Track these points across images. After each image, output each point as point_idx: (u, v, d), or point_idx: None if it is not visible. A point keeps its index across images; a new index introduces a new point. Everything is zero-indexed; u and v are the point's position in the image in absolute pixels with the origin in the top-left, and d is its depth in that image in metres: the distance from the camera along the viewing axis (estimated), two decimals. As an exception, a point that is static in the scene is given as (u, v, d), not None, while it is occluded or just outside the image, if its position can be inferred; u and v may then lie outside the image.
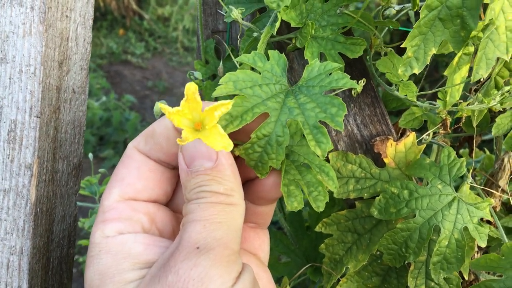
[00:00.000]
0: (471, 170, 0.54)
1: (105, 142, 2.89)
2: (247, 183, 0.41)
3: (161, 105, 0.34)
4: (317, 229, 0.56)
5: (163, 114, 0.49)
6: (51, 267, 0.49)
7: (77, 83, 0.48)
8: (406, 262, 0.52)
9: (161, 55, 4.26)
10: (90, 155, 0.76)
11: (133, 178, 0.37)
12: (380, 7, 0.57)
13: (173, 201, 0.41)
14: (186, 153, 0.35)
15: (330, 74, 0.39)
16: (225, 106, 0.34)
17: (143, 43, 4.27)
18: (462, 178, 0.54)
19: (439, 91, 0.52)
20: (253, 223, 0.43)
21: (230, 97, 0.39)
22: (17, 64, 0.44)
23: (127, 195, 0.37)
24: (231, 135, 0.38)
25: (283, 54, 0.40)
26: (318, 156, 0.41)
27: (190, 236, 0.32)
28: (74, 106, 0.49)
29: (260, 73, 0.39)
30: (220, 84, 0.37)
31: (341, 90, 0.50)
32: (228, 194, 0.35)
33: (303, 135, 0.40)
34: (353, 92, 0.51)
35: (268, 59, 0.40)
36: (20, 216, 0.45)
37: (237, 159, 0.38)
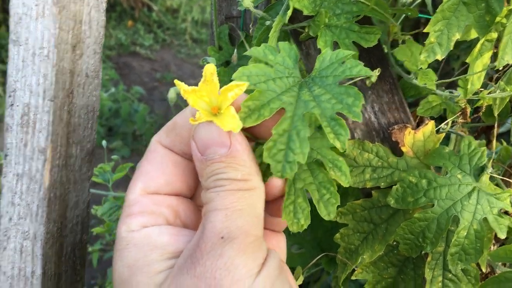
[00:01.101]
0: (490, 161, 0.53)
1: (113, 133, 2.89)
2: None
3: (176, 82, 0.33)
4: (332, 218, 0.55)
5: (177, 102, 0.48)
6: (64, 253, 0.49)
7: (91, 67, 0.48)
8: (423, 252, 0.51)
9: (170, 47, 4.25)
10: (104, 142, 0.76)
11: (156, 172, 0.37)
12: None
13: (197, 195, 0.40)
14: (198, 140, 0.34)
15: (343, 62, 0.38)
16: (240, 87, 0.33)
17: (152, 34, 4.27)
18: (482, 169, 0.52)
19: (459, 79, 0.51)
20: (270, 229, 0.42)
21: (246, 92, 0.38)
22: (30, 47, 0.43)
23: (150, 189, 0.37)
24: (251, 132, 0.37)
25: (294, 45, 0.39)
26: (330, 150, 0.40)
27: (214, 226, 0.32)
28: (88, 91, 0.48)
29: (272, 67, 0.38)
30: (233, 79, 0.36)
31: (358, 79, 0.49)
32: (246, 179, 0.34)
33: (317, 128, 0.39)
34: (367, 82, 0.50)
35: (279, 51, 0.39)
36: (34, 201, 0.45)
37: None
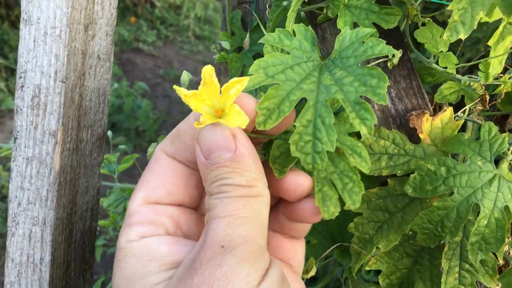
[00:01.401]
0: (510, 150, 0.52)
1: (117, 129, 2.88)
2: (286, 203, 0.39)
3: (176, 88, 0.32)
4: (346, 207, 0.54)
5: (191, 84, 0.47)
6: (74, 239, 0.48)
7: (103, 50, 0.47)
8: (441, 242, 0.49)
9: (173, 43, 4.24)
10: (109, 132, 0.75)
11: (158, 182, 0.36)
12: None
13: (201, 205, 0.39)
14: (203, 144, 0.33)
15: (364, 42, 0.36)
16: (241, 82, 0.32)
17: (155, 31, 4.25)
18: (500, 157, 0.51)
19: (479, 63, 0.49)
20: (288, 235, 0.41)
21: (264, 88, 0.37)
22: (42, 26, 0.42)
23: (150, 199, 0.36)
24: (260, 132, 0.36)
25: (309, 26, 0.38)
26: (349, 136, 0.39)
27: (215, 234, 0.31)
28: (99, 74, 0.47)
29: (289, 53, 0.37)
30: (250, 74, 0.35)
31: (380, 61, 0.48)
32: (251, 186, 0.33)
33: (335, 112, 0.38)
34: (389, 64, 0.48)
35: (295, 35, 0.38)
36: (44, 185, 0.44)
37: (268, 176, 0.36)
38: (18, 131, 0.43)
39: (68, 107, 0.43)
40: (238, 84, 0.32)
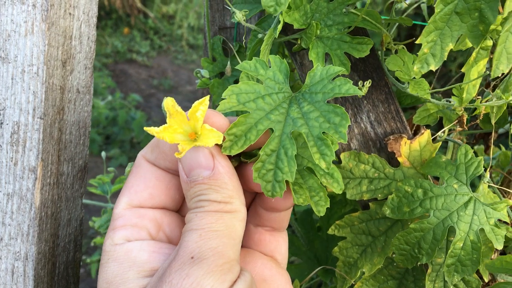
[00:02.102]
0: (488, 168, 0.52)
1: (111, 141, 2.88)
2: (261, 194, 0.40)
3: (146, 129, 0.34)
4: (330, 232, 0.55)
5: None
6: (57, 272, 0.48)
7: (82, 83, 0.47)
8: (419, 264, 0.50)
9: (166, 53, 4.25)
10: (103, 153, 0.75)
11: (140, 186, 0.38)
12: (389, 1, 0.56)
13: (183, 208, 0.41)
14: (184, 163, 0.35)
15: (334, 79, 0.37)
16: (203, 103, 0.34)
17: (148, 41, 4.27)
18: (479, 177, 0.52)
19: (454, 87, 0.50)
20: (269, 227, 0.42)
21: (236, 112, 0.38)
22: (20, 64, 0.42)
23: (134, 202, 0.38)
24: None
25: (284, 59, 0.39)
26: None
27: (187, 245, 0.33)
28: (79, 107, 0.47)
29: (262, 83, 0.38)
30: (223, 98, 0.36)
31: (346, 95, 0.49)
32: (227, 202, 0.35)
33: None
34: (360, 95, 0.49)
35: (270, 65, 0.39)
36: (25, 221, 0.44)
37: (246, 172, 0.38)
38: (-2, 167, 0.44)
39: (47, 142, 0.44)
40: (201, 105, 0.34)
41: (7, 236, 0.44)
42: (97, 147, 2.74)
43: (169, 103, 0.34)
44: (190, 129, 0.35)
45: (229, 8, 0.58)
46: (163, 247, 0.36)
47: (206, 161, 0.35)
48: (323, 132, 0.35)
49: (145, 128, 0.34)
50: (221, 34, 0.60)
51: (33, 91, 0.42)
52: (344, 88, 0.35)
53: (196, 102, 0.34)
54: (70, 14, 0.44)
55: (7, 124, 0.43)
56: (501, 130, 1.10)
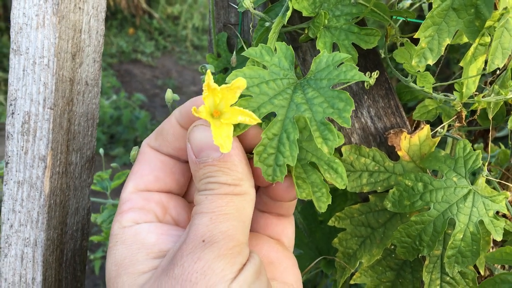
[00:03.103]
0: (486, 164, 0.53)
1: (115, 141, 2.90)
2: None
3: (208, 72, 0.33)
4: (330, 223, 0.56)
5: (173, 101, 0.49)
6: (64, 259, 0.49)
7: (90, 76, 0.49)
8: (420, 255, 0.51)
9: (171, 54, 4.27)
10: (101, 150, 0.76)
11: (145, 170, 0.39)
12: (391, 1, 0.57)
13: (188, 192, 0.41)
14: (193, 143, 0.35)
15: (339, 66, 0.38)
16: (240, 83, 0.34)
17: (153, 42, 4.29)
18: (477, 171, 0.53)
19: (455, 83, 0.51)
20: (275, 213, 0.43)
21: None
22: (31, 56, 0.44)
23: (140, 186, 0.38)
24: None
25: (290, 46, 0.39)
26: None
27: (198, 229, 0.33)
28: (87, 99, 0.49)
29: (267, 68, 0.38)
30: (227, 82, 0.37)
31: (351, 83, 0.50)
32: (236, 184, 0.35)
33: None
34: (365, 84, 0.50)
35: (276, 52, 0.40)
36: (34, 208, 0.45)
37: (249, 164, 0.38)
38: (9, 156, 0.45)
39: (57, 132, 0.45)
40: (248, 117, 0.34)
41: (17, 222, 0.46)
42: (101, 146, 2.76)
43: (209, 74, 0.34)
44: (222, 108, 0.35)
45: (234, 5, 0.60)
46: (171, 230, 0.37)
47: None
48: (327, 118, 0.35)
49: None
50: (225, 30, 0.62)
51: (44, 82, 0.44)
52: (349, 74, 0.36)
53: (233, 81, 0.34)
54: (80, 8, 0.46)
55: (18, 114, 0.44)
56: (500, 134, 1.11)
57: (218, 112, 0.35)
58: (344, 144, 0.55)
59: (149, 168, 0.39)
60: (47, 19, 0.43)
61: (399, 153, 0.52)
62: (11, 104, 0.45)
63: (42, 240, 0.46)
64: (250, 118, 0.34)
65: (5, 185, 0.46)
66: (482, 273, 0.54)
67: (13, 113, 0.45)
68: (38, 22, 0.43)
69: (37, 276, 0.46)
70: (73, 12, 0.45)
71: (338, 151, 0.55)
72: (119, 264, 0.35)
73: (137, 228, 0.36)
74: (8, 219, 0.46)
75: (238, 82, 0.34)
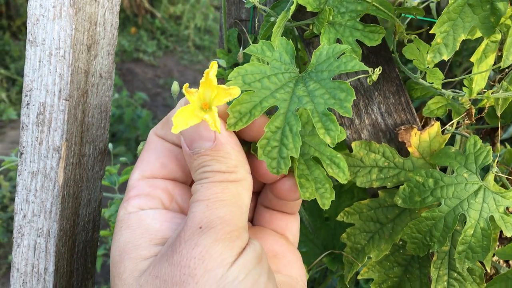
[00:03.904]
0: (495, 162, 0.54)
1: (117, 139, 2.90)
2: (267, 184, 0.41)
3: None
4: (338, 218, 0.56)
5: (180, 94, 0.49)
6: (76, 250, 0.49)
7: (104, 68, 0.49)
8: (430, 251, 0.51)
9: (173, 54, 4.27)
10: (110, 145, 0.77)
11: (152, 157, 0.39)
12: (398, 0, 0.57)
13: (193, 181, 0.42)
14: (185, 136, 0.36)
15: (339, 57, 0.38)
16: (212, 67, 0.34)
17: (155, 41, 4.29)
18: (487, 169, 0.53)
19: (464, 78, 0.52)
20: (280, 211, 0.43)
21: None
22: (47, 47, 0.44)
23: (146, 173, 0.39)
24: (241, 135, 0.38)
25: (290, 40, 0.40)
26: (329, 147, 0.40)
27: (194, 216, 0.33)
28: (101, 91, 0.49)
29: (268, 64, 0.39)
30: (229, 80, 0.37)
31: (359, 76, 0.50)
32: (231, 172, 0.35)
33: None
34: (368, 80, 0.50)
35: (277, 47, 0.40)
36: (48, 198, 0.46)
37: (254, 163, 0.39)
38: (23, 147, 0.45)
39: (71, 124, 0.45)
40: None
41: (30, 213, 0.46)
42: (103, 144, 2.76)
43: (213, 65, 0.34)
44: (204, 99, 0.35)
45: (245, 1, 0.60)
46: (175, 217, 0.37)
47: (207, 132, 0.35)
48: (329, 109, 0.35)
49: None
50: (236, 26, 0.62)
51: (60, 74, 0.44)
52: (350, 65, 0.36)
53: (230, 86, 0.34)
54: (95, 0, 0.46)
55: (34, 105, 0.45)
56: (505, 136, 1.11)
57: (207, 105, 0.35)
58: (354, 140, 0.55)
59: (155, 155, 0.39)
60: (64, 10, 0.43)
61: (409, 149, 0.53)
62: (26, 95, 0.45)
63: (55, 231, 0.46)
64: (235, 93, 0.34)
65: (19, 175, 0.46)
66: (488, 270, 0.55)
67: (28, 103, 0.45)
68: (55, 13, 0.44)
69: (49, 267, 0.46)
70: (89, 4, 0.45)
71: (348, 147, 0.55)
72: (122, 249, 0.35)
73: (142, 214, 0.36)
74: (22, 209, 0.46)
75: (233, 90, 0.34)
